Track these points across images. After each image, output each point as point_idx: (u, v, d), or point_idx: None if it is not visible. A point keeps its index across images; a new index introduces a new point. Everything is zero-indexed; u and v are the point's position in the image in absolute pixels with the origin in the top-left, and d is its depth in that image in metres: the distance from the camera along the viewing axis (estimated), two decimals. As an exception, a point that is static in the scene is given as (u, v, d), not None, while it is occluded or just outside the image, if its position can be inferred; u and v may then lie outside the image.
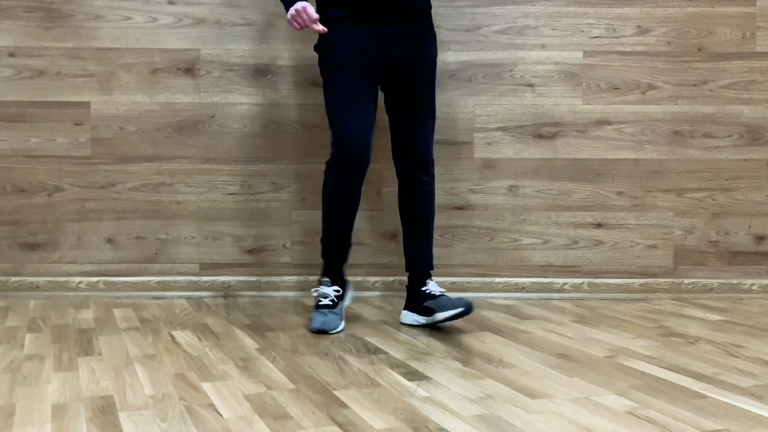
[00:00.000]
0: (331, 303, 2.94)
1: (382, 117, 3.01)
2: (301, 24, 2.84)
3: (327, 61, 2.95)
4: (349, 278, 3.09)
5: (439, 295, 2.91)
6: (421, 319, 2.94)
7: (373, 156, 3.00)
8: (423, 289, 2.96)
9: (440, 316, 2.85)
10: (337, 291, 2.98)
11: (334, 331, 2.84)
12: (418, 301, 2.96)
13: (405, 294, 3.05)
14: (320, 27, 2.85)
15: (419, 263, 3.03)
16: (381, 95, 3.00)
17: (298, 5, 2.81)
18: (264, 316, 3.12)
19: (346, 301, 3.03)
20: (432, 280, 3.01)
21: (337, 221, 2.96)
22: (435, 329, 2.89)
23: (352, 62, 2.88)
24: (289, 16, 2.85)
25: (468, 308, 2.82)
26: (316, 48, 2.99)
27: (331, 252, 3.01)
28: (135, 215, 3.47)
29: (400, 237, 3.09)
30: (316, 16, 2.83)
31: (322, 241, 3.02)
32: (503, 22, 3.52)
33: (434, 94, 3.00)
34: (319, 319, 2.86)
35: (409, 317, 2.99)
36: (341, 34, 2.90)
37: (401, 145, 2.98)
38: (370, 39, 2.88)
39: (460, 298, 2.88)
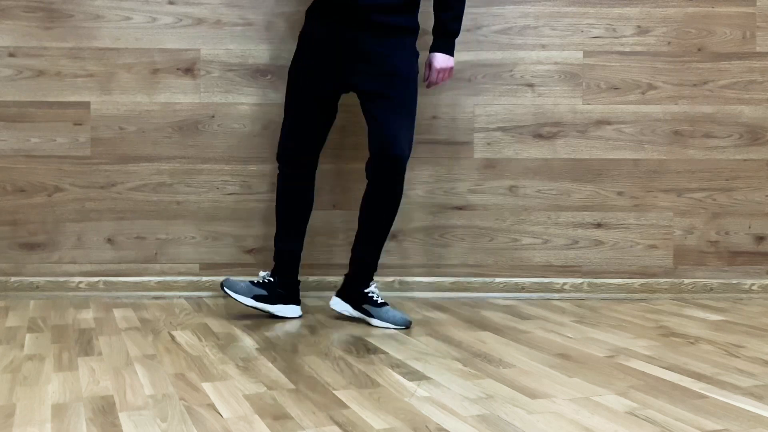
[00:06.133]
0: (261, 281, 3.00)
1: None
2: None
3: (295, 62, 3.01)
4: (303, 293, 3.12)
5: (381, 304, 2.95)
6: (355, 313, 2.99)
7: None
8: (366, 291, 2.99)
9: (375, 323, 2.92)
10: (270, 279, 3.01)
11: (230, 291, 2.97)
12: (358, 299, 2.98)
13: (405, 294, 3.06)
14: None
15: (363, 265, 3.02)
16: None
17: None
18: (264, 316, 3.11)
19: (272, 308, 3.02)
20: (374, 282, 3.02)
21: (285, 219, 3.04)
22: (435, 330, 2.89)
23: (315, 69, 2.92)
24: None
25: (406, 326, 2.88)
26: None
27: (280, 248, 3.06)
28: (135, 215, 3.47)
29: (399, 237, 3.10)
30: None
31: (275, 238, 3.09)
32: (503, 22, 3.52)
33: (401, 107, 2.94)
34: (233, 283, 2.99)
35: (342, 306, 3.02)
36: (311, 35, 2.96)
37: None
38: (333, 43, 2.90)
39: (397, 317, 2.91)
